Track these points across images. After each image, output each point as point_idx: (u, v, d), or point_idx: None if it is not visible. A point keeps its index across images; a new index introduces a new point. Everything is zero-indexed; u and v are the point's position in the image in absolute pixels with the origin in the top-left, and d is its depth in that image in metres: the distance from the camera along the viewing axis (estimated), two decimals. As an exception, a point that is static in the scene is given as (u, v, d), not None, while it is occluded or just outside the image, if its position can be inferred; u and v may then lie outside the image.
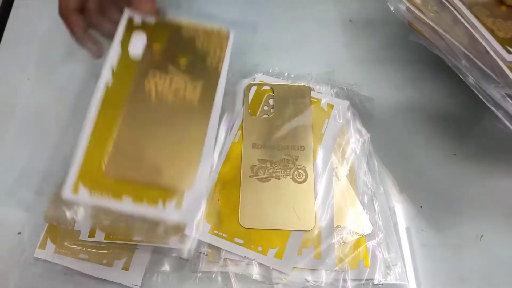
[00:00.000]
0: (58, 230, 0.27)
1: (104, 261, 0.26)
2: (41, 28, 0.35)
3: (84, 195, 0.21)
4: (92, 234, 0.26)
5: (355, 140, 0.30)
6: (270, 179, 0.28)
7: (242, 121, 0.30)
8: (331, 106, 0.30)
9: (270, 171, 0.28)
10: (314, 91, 0.31)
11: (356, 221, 0.27)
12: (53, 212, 0.27)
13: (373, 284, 0.26)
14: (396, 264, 0.26)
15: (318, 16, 0.36)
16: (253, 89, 0.31)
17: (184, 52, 0.26)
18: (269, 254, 0.26)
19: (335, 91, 0.32)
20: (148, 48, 0.26)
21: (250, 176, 0.28)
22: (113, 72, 0.25)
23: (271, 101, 0.31)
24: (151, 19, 0.27)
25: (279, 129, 0.29)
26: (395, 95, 0.33)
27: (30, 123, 0.31)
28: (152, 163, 0.23)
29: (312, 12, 0.37)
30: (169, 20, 0.27)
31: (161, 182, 0.22)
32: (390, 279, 0.26)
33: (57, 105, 0.32)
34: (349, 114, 0.30)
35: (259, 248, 0.26)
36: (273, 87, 0.31)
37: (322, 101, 0.31)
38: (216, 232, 0.27)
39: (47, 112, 0.32)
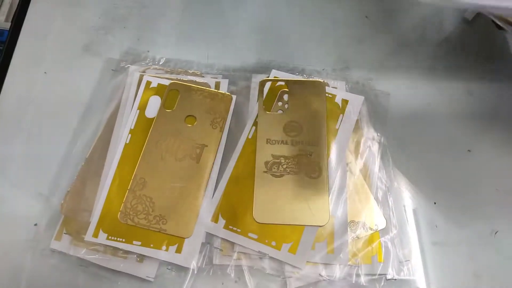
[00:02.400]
0: (74, 222, 0.29)
1: (119, 253, 0.28)
2: (57, 22, 0.37)
3: (102, 238, 0.28)
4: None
5: (370, 136, 0.31)
6: (284, 175, 0.30)
7: (257, 117, 0.31)
8: (346, 102, 0.32)
9: (284, 166, 0.30)
10: (329, 86, 0.33)
11: (370, 216, 0.29)
12: (69, 204, 0.29)
13: (386, 279, 0.27)
14: (409, 260, 0.28)
15: (333, 12, 0.38)
16: (268, 84, 0.33)
17: (193, 112, 0.32)
18: (283, 249, 0.28)
19: (350, 86, 0.33)
20: (162, 109, 0.32)
21: (264, 172, 0.30)
22: (131, 130, 0.31)
23: (285, 97, 0.32)
24: (166, 81, 0.33)
25: (293, 124, 0.31)
26: (411, 91, 0.34)
27: (46, 116, 0.33)
28: (159, 214, 0.29)
29: (327, 8, 0.38)
30: (181, 83, 0.33)
31: (165, 230, 0.29)
32: (403, 275, 0.28)
33: (73, 100, 0.33)
34: (364, 110, 0.32)
35: (273, 243, 0.28)
36: (287, 83, 0.33)
37: (337, 97, 0.32)
38: (230, 227, 0.29)
39: (62, 106, 0.33)
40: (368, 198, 0.29)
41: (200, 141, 0.31)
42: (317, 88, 0.32)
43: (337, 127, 0.31)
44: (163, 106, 0.31)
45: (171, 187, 0.29)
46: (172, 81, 0.32)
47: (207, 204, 0.29)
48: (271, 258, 0.27)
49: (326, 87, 0.32)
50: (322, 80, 0.33)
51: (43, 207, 0.29)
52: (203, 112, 0.31)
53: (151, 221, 0.28)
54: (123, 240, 0.28)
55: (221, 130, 0.31)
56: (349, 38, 0.36)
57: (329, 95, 0.32)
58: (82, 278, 0.27)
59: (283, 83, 0.32)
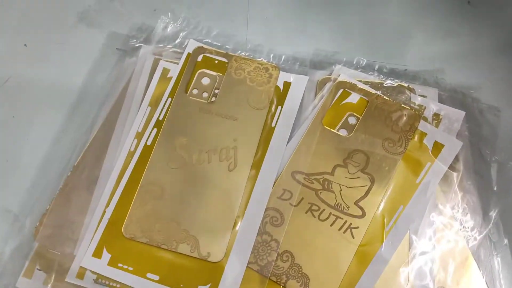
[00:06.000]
0: (51, 255, 0.28)
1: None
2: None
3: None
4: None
5: (470, 168, 0.30)
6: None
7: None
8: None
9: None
10: (415, 94, 0.31)
11: (467, 283, 0.27)
12: (47, 229, 0.28)
13: None
14: None
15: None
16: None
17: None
18: None
19: (444, 96, 0.32)
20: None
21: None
22: (137, 133, 0.31)
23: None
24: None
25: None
26: None
27: (23, 103, 0.32)
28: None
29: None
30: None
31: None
32: None
33: (60, 84, 0.33)
34: (463, 130, 0.30)
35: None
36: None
37: (426, 110, 0.31)
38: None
39: (46, 92, 0.33)
40: (466, 257, 0.27)
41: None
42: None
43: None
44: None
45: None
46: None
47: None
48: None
49: (412, 95, 0.31)
50: (405, 85, 0.31)
51: (10, 229, 0.29)
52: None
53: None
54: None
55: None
56: (444, 29, 0.35)
57: (415, 106, 0.30)
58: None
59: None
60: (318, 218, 0.28)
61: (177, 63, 0.33)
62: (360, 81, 0.31)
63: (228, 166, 0.29)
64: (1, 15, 0.35)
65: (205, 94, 0.31)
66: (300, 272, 0.27)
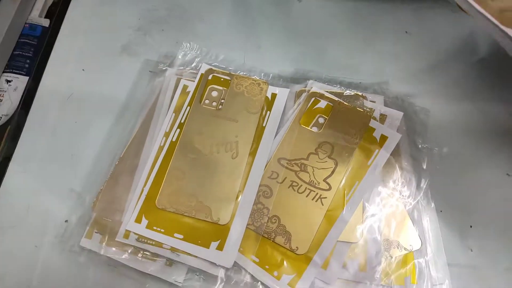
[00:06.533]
0: (105, 221, 0.29)
1: (148, 255, 0.28)
2: (97, 21, 0.38)
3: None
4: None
5: (407, 154, 0.31)
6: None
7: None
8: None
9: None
10: (367, 100, 0.33)
11: (405, 235, 0.28)
12: (101, 203, 0.29)
13: (419, 302, 0.26)
14: (443, 284, 0.27)
15: (374, 26, 0.38)
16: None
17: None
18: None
19: (388, 101, 0.33)
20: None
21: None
22: (165, 133, 0.31)
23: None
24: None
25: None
26: (451, 109, 0.33)
27: (82, 113, 0.33)
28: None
29: (368, 22, 0.38)
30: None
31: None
32: (437, 299, 0.26)
33: (110, 98, 0.34)
34: (402, 126, 0.31)
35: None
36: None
37: (376, 111, 0.32)
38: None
39: (99, 104, 0.34)
40: (404, 217, 0.29)
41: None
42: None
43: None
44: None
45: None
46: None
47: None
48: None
49: (364, 101, 0.32)
50: (359, 93, 0.33)
51: (75, 204, 0.29)
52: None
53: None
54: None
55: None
56: (389, 53, 0.36)
57: (367, 109, 0.32)
58: (110, 278, 0.27)
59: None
60: (297, 191, 0.29)
61: (194, 81, 0.33)
62: (327, 91, 0.33)
63: (232, 155, 0.30)
64: (66, 48, 0.36)
65: (214, 103, 0.32)
66: (285, 230, 0.28)
